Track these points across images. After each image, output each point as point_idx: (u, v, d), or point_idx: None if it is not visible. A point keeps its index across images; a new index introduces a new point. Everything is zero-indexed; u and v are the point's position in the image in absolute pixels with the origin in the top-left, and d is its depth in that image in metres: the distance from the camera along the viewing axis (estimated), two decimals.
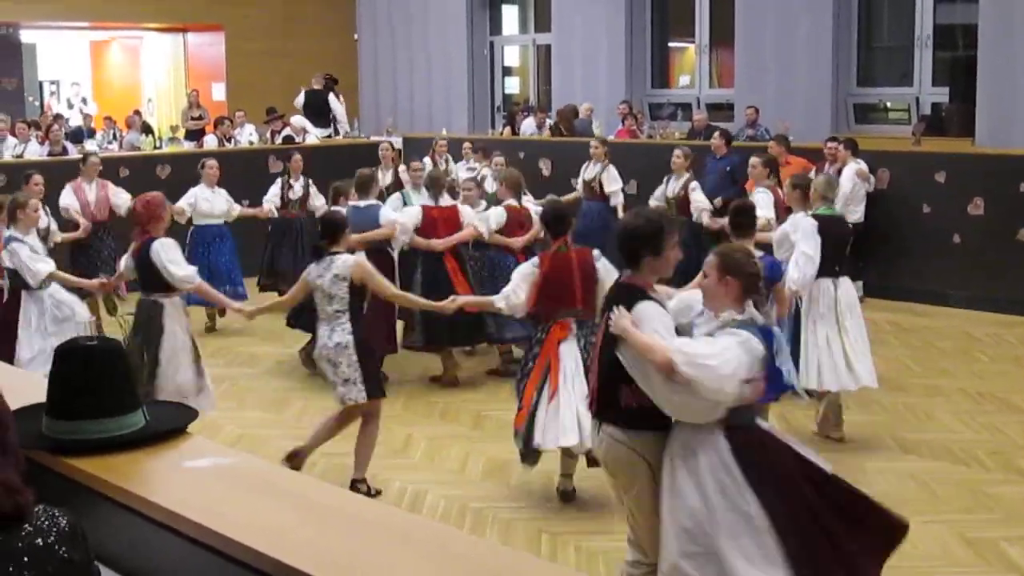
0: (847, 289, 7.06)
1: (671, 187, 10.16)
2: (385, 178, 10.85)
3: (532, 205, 9.11)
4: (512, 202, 8.75)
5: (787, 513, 3.92)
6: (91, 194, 10.23)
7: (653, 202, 10.16)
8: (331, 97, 15.73)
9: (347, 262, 6.25)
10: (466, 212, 8.80)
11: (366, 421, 6.38)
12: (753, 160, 8.88)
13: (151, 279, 6.43)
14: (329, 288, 6.19)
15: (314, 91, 15.71)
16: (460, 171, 12.48)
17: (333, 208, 8.24)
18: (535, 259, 6.35)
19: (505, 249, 8.65)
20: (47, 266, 7.33)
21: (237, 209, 10.69)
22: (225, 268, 10.28)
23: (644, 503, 4.20)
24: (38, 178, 9.18)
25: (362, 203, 8.59)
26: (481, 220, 8.69)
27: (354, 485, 6.25)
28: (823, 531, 3.94)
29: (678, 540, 3.99)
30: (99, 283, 7.36)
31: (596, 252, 6.20)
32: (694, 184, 10.00)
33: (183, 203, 10.22)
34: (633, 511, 4.30)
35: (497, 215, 8.67)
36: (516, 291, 6.12)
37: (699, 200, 9.87)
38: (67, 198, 10.09)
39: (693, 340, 4.06)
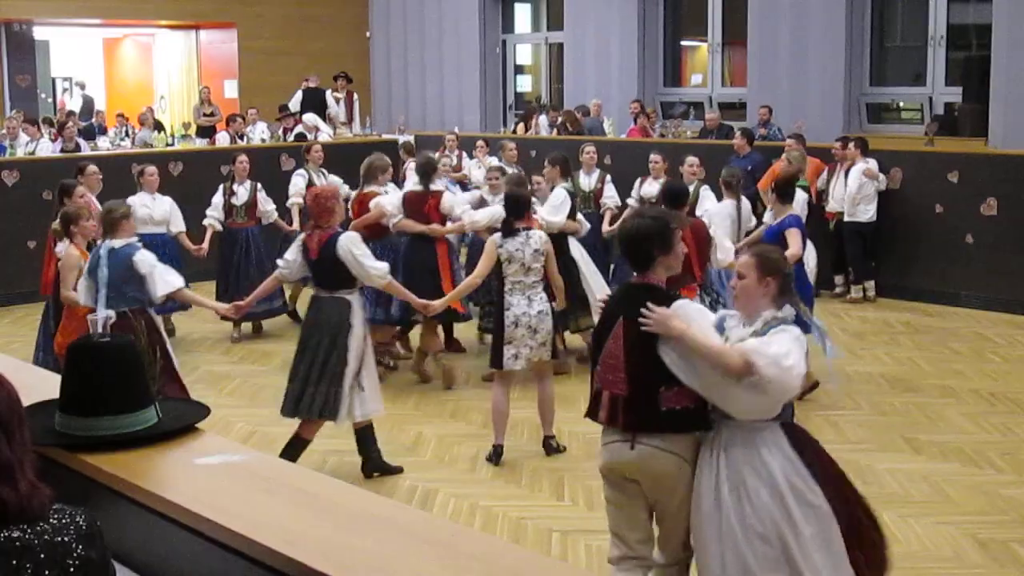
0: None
1: (585, 182, 10.26)
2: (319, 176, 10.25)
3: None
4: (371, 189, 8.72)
5: (841, 500, 3.99)
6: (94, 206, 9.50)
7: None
8: (328, 96, 15.58)
9: (543, 238, 6.79)
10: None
11: (543, 379, 6.82)
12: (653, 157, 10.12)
13: (335, 275, 6.19)
14: (530, 262, 6.68)
15: (311, 90, 15.65)
16: (472, 168, 12.50)
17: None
18: None
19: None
20: (178, 280, 6.46)
21: (179, 227, 9.56)
22: None
23: (685, 504, 4.17)
24: (93, 168, 8.76)
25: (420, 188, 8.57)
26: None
27: (546, 441, 6.86)
28: (859, 519, 4.04)
29: (751, 547, 3.92)
30: (234, 307, 6.86)
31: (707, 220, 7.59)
32: (608, 177, 10.32)
33: None
34: (672, 514, 4.23)
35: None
36: None
37: (610, 195, 10.16)
38: None
39: (760, 340, 4.01)
